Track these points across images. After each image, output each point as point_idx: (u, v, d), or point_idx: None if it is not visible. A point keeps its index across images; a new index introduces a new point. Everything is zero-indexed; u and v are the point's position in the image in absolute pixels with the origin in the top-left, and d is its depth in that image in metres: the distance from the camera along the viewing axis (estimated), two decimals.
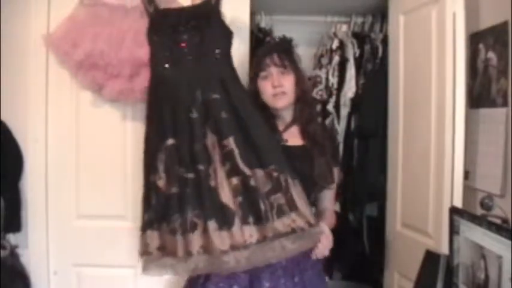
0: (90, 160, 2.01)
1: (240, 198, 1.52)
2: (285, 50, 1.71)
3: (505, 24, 1.69)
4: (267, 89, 1.67)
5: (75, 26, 1.90)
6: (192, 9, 1.69)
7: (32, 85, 1.98)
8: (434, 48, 1.85)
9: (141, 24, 1.87)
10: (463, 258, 1.53)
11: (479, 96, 1.87)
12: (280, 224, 1.51)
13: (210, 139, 1.57)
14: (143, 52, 1.81)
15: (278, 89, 1.65)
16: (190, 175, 1.56)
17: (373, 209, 2.49)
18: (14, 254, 1.93)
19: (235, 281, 1.59)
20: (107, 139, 2.01)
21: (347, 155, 2.48)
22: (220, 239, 1.50)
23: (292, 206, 1.53)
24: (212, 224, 1.51)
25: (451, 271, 1.59)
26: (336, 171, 1.72)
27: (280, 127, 1.73)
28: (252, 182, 1.53)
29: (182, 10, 1.70)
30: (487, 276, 1.39)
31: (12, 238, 1.94)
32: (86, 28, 1.88)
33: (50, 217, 2.01)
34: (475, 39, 1.88)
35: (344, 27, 2.67)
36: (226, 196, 1.53)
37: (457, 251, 1.56)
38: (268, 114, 1.72)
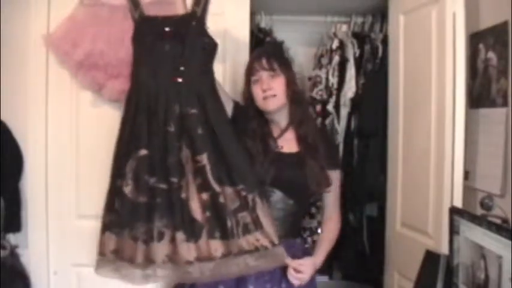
0: (90, 160, 2.02)
1: (208, 213, 1.54)
2: (274, 53, 1.72)
3: (505, 24, 1.69)
4: (257, 93, 1.68)
5: (75, 26, 1.90)
6: (177, 19, 1.67)
7: (32, 85, 1.99)
8: (434, 48, 1.85)
9: None
10: (463, 258, 1.53)
11: (479, 96, 1.87)
12: (244, 242, 1.53)
13: (185, 153, 1.57)
14: None
15: (268, 92, 1.66)
16: (163, 186, 1.56)
17: (373, 209, 2.49)
18: (14, 254, 1.93)
19: (221, 283, 1.61)
20: (107, 139, 2.00)
21: (347, 155, 2.48)
22: (187, 250, 1.53)
23: (258, 225, 1.54)
24: (180, 235, 1.53)
25: (451, 271, 1.59)
26: (335, 174, 1.71)
27: (276, 133, 1.73)
28: (221, 199, 1.55)
29: (167, 19, 1.67)
30: (487, 276, 1.39)
31: (12, 238, 1.95)
32: (86, 28, 1.88)
33: (50, 217, 2.01)
34: (475, 39, 1.88)
35: (344, 27, 2.67)
36: (195, 210, 1.55)
37: (457, 251, 1.56)
38: (263, 120, 1.72)
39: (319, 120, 2.52)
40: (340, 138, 2.52)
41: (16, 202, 1.94)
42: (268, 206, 1.58)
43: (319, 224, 2.30)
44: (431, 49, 1.86)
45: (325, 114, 2.55)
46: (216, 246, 1.53)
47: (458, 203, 1.72)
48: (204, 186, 1.55)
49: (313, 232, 2.47)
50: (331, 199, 1.74)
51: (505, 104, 1.70)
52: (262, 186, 1.59)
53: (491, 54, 1.78)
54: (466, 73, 1.77)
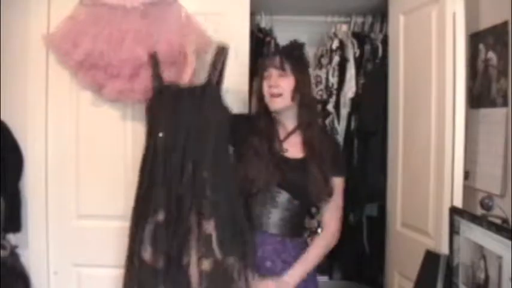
0: (90, 160, 2.02)
1: (205, 283, 1.56)
2: (290, 53, 1.71)
3: (505, 24, 1.69)
4: (265, 88, 1.68)
5: (75, 26, 1.90)
6: (194, 88, 1.71)
7: (32, 85, 1.99)
8: (434, 48, 1.85)
9: (141, 24, 1.87)
10: (463, 258, 1.53)
11: (479, 96, 1.87)
12: None
13: (193, 218, 1.59)
14: (143, 52, 1.81)
15: (274, 89, 1.65)
16: (173, 252, 1.59)
17: (373, 209, 2.49)
18: (14, 254, 1.93)
19: None
20: (107, 139, 2.01)
21: (347, 155, 2.48)
22: None
23: None
24: None
25: (451, 271, 1.59)
26: (338, 180, 1.71)
27: (282, 135, 1.72)
28: (221, 269, 1.57)
29: (185, 88, 1.72)
30: (487, 276, 1.39)
31: (12, 238, 1.94)
32: (86, 28, 1.88)
33: (50, 217, 2.01)
34: (475, 39, 1.88)
35: (344, 27, 2.67)
36: (194, 277, 1.57)
37: (457, 251, 1.56)
38: (271, 120, 1.72)
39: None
40: (340, 138, 2.52)
41: (16, 202, 1.94)
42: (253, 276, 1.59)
43: (319, 224, 2.30)
44: (431, 49, 1.86)
45: (325, 114, 2.55)
46: None
47: (458, 203, 1.72)
48: (206, 253, 1.57)
49: (313, 232, 2.47)
50: (331, 205, 1.73)
51: (505, 104, 1.70)
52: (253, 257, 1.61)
53: (491, 54, 1.78)
54: (466, 73, 1.77)
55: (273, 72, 1.67)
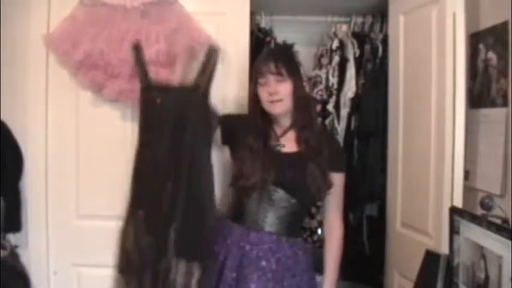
0: (90, 160, 2.02)
1: None
2: (282, 57, 1.71)
3: (505, 24, 1.70)
4: (263, 95, 1.68)
5: (75, 26, 1.90)
6: (181, 91, 1.73)
7: (32, 85, 1.99)
8: (434, 48, 1.85)
9: (141, 24, 1.87)
10: (463, 258, 1.53)
11: (479, 96, 1.87)
12: None
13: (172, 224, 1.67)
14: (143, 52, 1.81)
15: (274, 96, 1.66)
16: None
17: (373, 209, 2.49)
18: (14, 254, 1.93)
19: (221, 281, 1.61)
20: (107, 139, 2.01)
21: (347, 155, 2.48)
22: None
23: None
24: None
25: (451, 271, 1.59)
26: (338, 177, 1.71)
27: (278, 132, 1.73)
28: (172, 275, 1.64)
29: (172, 90, 1.73)
30: (487, 276, 1.39)
31: (12, 238, 1.94)
32: (86, 28, 1.88)
33: (50, 217, 2.01)
34: (475, 39, 1.88)
35: (344, 27, 2.67)
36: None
37: (457, 251, 1.56)
38: (267, 120, 1.73)
39: (319, 120, 2.52)
40: (340, 138, 2.52)
41: (16, 202, 1.94)
42: (208, 279, 1.63)
43: (319, 224, 2.30)
44: (431, 49, 1.86)
45: (325, 114, 2.55)
46: None
47: (458, 203, 1.72)
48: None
49: (313, 232, 2.47)
50: (333, 202, 1.73)
51: (505, 104, 1.70)
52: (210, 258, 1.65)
53: (491, 54, 1.78)
54: (466, 73, 1.77)
55: (271, 78, 1.66)
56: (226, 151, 1.83)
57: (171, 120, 1.68)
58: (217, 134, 1.79)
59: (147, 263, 1.65)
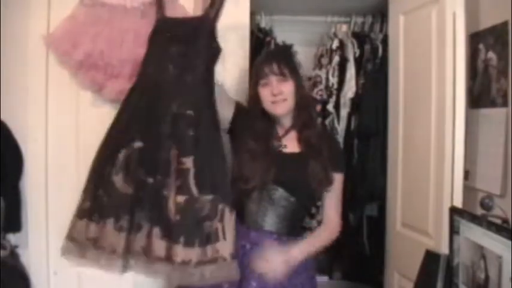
0: (90, 160, 2.01)
1: (178, 217, 1.54)
2: (284, 57, 1.71)
3: (505, 24, 1.70)
4: (266, 96, 1.67)
5: (75, 26, 1.90)
6: (189, 21, 1.70)
7: (32, 85, 1.98)
8: (434, 48, 1.85)
9: (141, 24, 1.87)
10: (463, 258, 1.53)
11: (479, 96, 1.87)
12: (204, 252, 1.53)
13: (173, 152, 1.58)
14: (143, 52, 1.80)
15: (278, 96, 1.65)
16: (149, 180, 1.57)
17: (373, 209, 2.49)
18: (14, 254, 1.93)
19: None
20: None
21: (347, 155, 2.48)
22: (158, 247, 1.53)
23: (220, 236, 1.54)
24: (156, 231, 1.54)
25: (451, 271, 1.59)
26: (337, 176, 1.71)
27: (280, 132, 1.73)
28: (197, 205, 1.54)
29: (181, 21, 1.71)
30: (487, 276, 1.39)
31: (12, 238, 1.94)
32: (86, 28, 1.88)
33: (50, 217, 2.01)
34: (475, 39, 1.88)
35: (344, 27, 2.67)
36: (171, 210, 1.55)
37: (457, 251, 1.56)
38: (268, 121, 1.72)
39: (319, 120, 2.52)
40: (340, 138, 2.52)
41: (16, 202, 1.94)
42: (235, 219, 1.58)
43: (319, 224, 2.30)
44: (431, 49, 1.86)
45: (325, 114, 2.55)
46: (177, 251, 1.52)
47: (458, 203, 1.72)
48: (182, 189, 1.55)
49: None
50: (331, 201, 1.73)
51: (505, 104, 1.70)
52: (232, 198, 1.59)
53: (491, 54, 1.79)
54: (466, 73, 1.77)
55: (273, 79, 1.66)
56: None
57: (178, 47, 1.65)
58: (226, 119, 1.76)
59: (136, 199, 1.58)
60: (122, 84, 1.86)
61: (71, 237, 1.64)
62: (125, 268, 1.59)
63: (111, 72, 1.86)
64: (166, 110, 1.60)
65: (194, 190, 1.55)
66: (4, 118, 1.94)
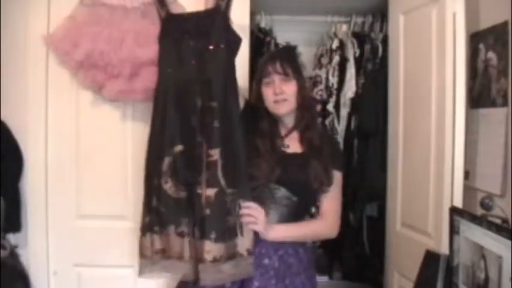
0: (90, 160, 2.02)
1: (208, 211, 1.53)
2: (288, 57, 1.72)
3: (505, 24, 1.70)
4: (268, 95, 1.68)
5: (75, 26, 1.90)
6: (201, 14, 1.69)
7: (32, 85, 1.98)
8: (434, 48, 1.85)
9: (142, 24, 1.87)
10: (463, 258, 1.53)
11: (479, 96, 1.87)
12: (224, 247, 1.52)
13: (204, 147, 1.57)
14: (143, 52, 1.81)
15: (280, 96, 1.66)
16: (192, 182, 1.57)
17: (373, 209, 2.49)
18: (14, 254, 1.93)
19: None
20: (107, 139, 2.01)
21: (347, 155, 2.49)
22: (200, 247, 1.53)
23: (239, 232, 1.54)
24: (196, 231, 1.54)
25: (451, 271, 1.59)
26: (337, 175, 1.72)
27: (283, 132, 1.74)
28: (225, 198, 1.53)
29: (191, 15, 1.70)
30: (487, 276, 1.39)
31: (12, 238, 1.94)
32: (86, 28, 1.88)
33: (50, 217, 2.01)
34: (475, 39, 1.88)
35: (344, 27, 2.67)
36: (203, 205, 1.54)
37: (457, 251, 1.56)
38: (272, 120, 1.73)
39: (319, 120, 2.52)
40: (340, 138, 2.52)
41: (16, 202, 1.94)
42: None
43: None
44: (431, 49, 1.86)
45: (325, 114, 2.55)
46: (210, 248, 1.51)
47: (458, 203, 1.72)
48: (211, 182, 1.54)
49: None
50: (330, 199, 1.73)
51: (505, 104, 1.70)
52: (250, 194, 1.58)
53: (491, 54, 1.79)
54: (466, 73, 1.77)
55: (276, 78, 1.66)
56: None
57: (194, 42, 1.64)
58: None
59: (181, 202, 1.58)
60: (122, 84, 1.86)
61: (142, 254, 1.64)
62: (195, 273, 1.55)
63: (111, 72, 1.86)
64: (193, 106, 1.60)
65: (223, 182, 1.54)
66: (4, 118, 1.94)
